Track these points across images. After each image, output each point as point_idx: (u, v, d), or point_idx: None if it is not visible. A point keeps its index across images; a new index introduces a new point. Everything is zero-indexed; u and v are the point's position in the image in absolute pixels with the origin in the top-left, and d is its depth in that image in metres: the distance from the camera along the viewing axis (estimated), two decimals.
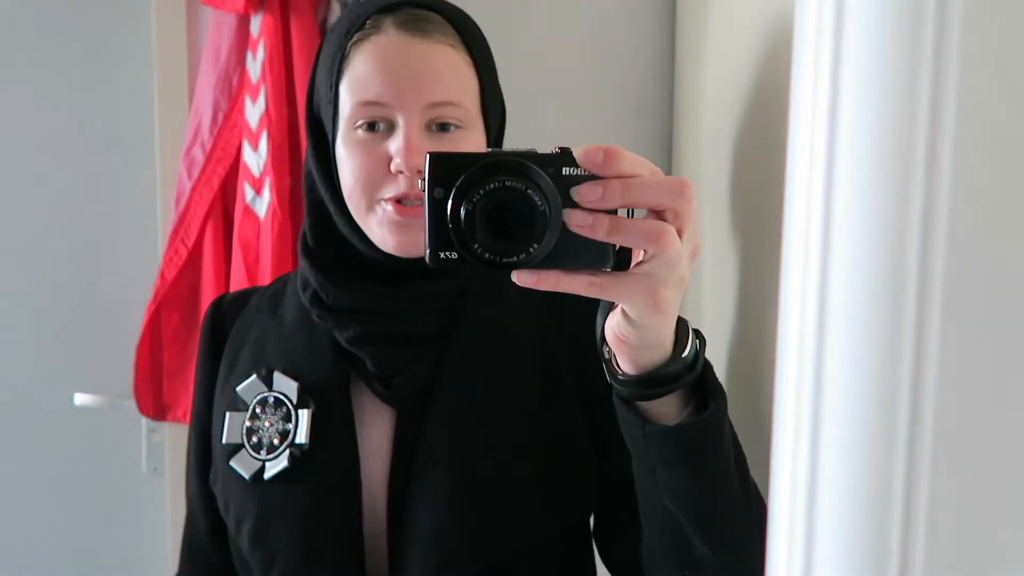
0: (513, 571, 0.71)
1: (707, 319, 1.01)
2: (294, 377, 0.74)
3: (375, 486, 0.73)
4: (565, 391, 0.70)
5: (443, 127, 0.70)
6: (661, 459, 0.57)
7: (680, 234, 0.49)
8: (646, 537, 0.65)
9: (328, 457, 0.72)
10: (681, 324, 0.55)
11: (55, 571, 1.60)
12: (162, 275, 1.40)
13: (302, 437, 0.72)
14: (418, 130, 0.68)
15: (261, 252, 1.27)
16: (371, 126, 0.70)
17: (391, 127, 0.69)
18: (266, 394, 0.75)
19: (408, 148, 0.67)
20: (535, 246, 0.47)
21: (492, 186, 0.47)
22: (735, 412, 0.66)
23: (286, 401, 0.74)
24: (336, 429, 0.73)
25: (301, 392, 0.73)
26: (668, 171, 1.25)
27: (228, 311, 0.83)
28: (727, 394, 0.58)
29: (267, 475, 0.72)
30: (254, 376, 0.76)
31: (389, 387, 0.74)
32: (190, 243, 1.38)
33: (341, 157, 0.72)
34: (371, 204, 0.70)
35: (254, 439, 0.74)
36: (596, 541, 0.77)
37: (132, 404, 1.45)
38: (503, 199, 0.47)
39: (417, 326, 0.72)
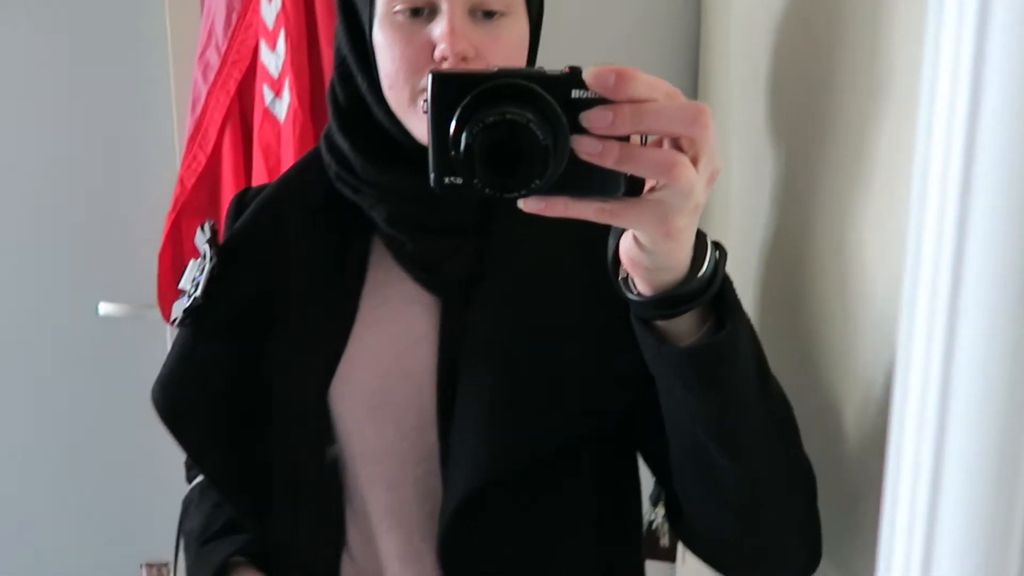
0: (558, 466, 0.72)
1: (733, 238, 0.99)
2: (212, 228, 0.75)
3: (422, 375, 0.72)
4: (607, 283, 0.69)
5: (488, 14, 0.67)
6: (677, 378, 0.57)
7: (696, 162, 0.47)
8: (671, 447, 0.65)
9: (219, 310, 0.74)
10: (700, 239, 0.53)
11: (80, 479, 1.64)
12: (181, 182, 1.39)
13: (200, 291, 0.73)
14: (462, 14, 0.66)
15: (283, 155, 1.25)
16: (414, 11, 0.67)
17: (433, 12, 0.67)
18: (201, 242, 0.76)
19: (453, 33, 0.65)
20: (537, 182, 0.46)
21: (492, 119, 0.45)
22: (769, 334, 0.65)
23: (207, 250, 0.75)
24: (321, 293, 0.74)
25: (211, 243, 0.74)
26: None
27: (251, 204, 0.82)
28: (759, 313, 0.57)
29: (175, 322, 0.76)
30: (200, 227, 0.77)
31: (431, 275, 0.73)
32: (208, 149, 1.36)
33: (379, 44, 0.69)
34: (413, 95, 0.68)
35: (191, 285, 0.76)
36: (636, 441, 0.77)
37: (156, 313, 1.46)
38: (504, 135, 0.45)
39: (457, 217, 0.71)
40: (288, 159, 1.24)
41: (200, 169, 1.37)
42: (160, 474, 1.62)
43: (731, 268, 0.57)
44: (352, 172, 0.73)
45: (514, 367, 0.69)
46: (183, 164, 1.39)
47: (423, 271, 0.73)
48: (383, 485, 0.74)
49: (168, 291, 1.41)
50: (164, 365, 0.76)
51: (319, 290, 0.75)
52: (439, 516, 0.70)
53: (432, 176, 0.48)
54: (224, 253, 0.75)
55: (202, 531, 0.81)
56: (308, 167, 0.79)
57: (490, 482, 0.68)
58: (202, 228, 0.76)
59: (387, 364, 0.74)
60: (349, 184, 0.73)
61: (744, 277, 0.92)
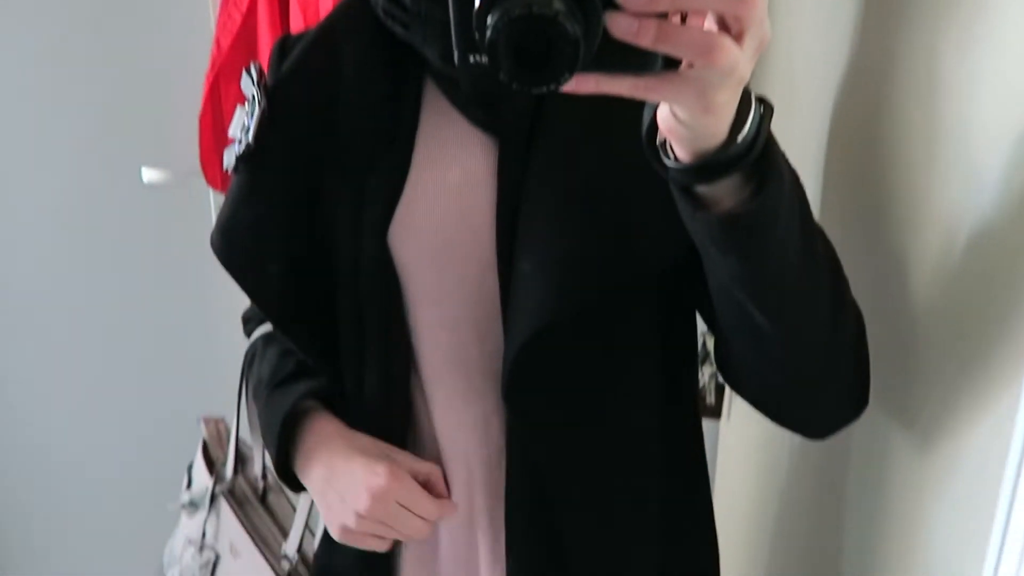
0: (620, 312, 0.71)
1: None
2: (259, 71, 0.73)
3: (482, 217, 0.71)
4: None
5: None
6: (713, 243, 0.55)
7: (740, 37, 0.44)
8: (714, 303, 0.64)
9: (272, 153, 0.72)
10: (743, 96, 0.49)
11: (124, 342, 1.70)
12: (217, 43, 1.36)
13: (251, 136, 0.71)
14: None
15: (321, 8, 1.21)
16: None
17: None
18: (251, 88, 0.73)
19: None
20: (566, 75, 0.42)
21: (518, 12, 0.41)
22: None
23: (255, 96, 0.73)
24: (377, 133, 0.72)
25: (259, 86, 0.72)
26: None
27: (294, 49, 0.79)
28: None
29: (229, 168, 0.74)
30: (244, 71, 0.74)
31: (489, 113, 0.71)
32: (243, 7, 1.32)
33: None
34: None
35: (239, 132, 0.74)
36: (691, 290, 0.75)
37: (200, 179, 1.46)
38: (530, 30, 0.41)
39: None
40: (327, 11, 1.19)
41: (236, 29, 1.34)
42: (212, 334, 1.67)
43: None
44: (401, 6, 0.69)
45: (577, 206, 0.67)
46: (218, 24, 1.35)
47: (479, 111, 0.71)
48: (444, 327, 0.74)
49: (210, 155, 1.41)
50: (221, 212, 0.75)
51: (373, 132, 0.73)
52: (504, 356, 0.70)
53: (456, 55, 0.45)
54: (273, 95, 0.73)
55: (271, 376, 0.82)
56: (353, 6, 0.75)
57: (553, 324, 0.67)
58: (247, 71, 0.73)
59: (446, 207, 0.72)
60: (399, 19, 0.70)
61: (811, 117, 0.88)
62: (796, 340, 0.60)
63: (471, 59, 0.45)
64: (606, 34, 0.42)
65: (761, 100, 0.51)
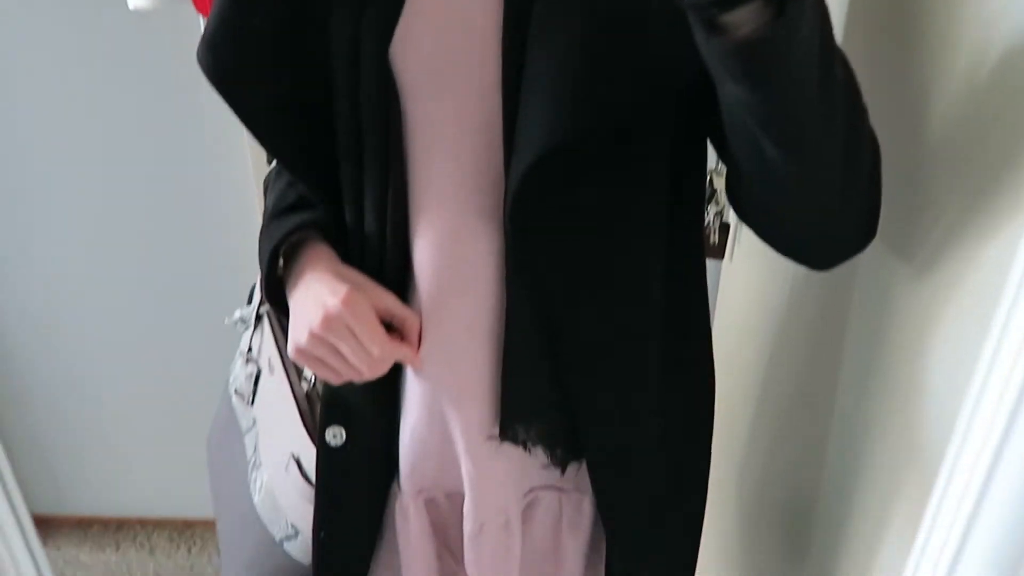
0: (631, 137, 0.68)
1: None
2: None
3: (486, 31, 0.68)
4: None
5: None
6: (726, 71, 0.52)
7: None
8: (726, 131, 0.62)
9: None
10: None
11: (123, 174, 1.68)
12: None
13: None
14: None
15: None
16: None
17: None
18: None
19: None
20: None
21: None
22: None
23: None
24: None
25: None
26: None
27: None
28: None
29: None
30: None
31: None
32: None
33: None
34: None
35: None
36: (704, 116, 0.72)
37: (188, 4, 1.40)
38: None
39: None
40: None
41: None
42: (209, 157, 1.65)
43: None
44: None
45: (588, 24, 0.63)
46: None
47: None
48: (443, 154, 0.72)
49: None
50: (207, 24, 0.71)
51: None
52: (507, 183, 0.68)
53: None
54: None
55: (274, 206, 0.82)
56: None
57: (560, 147, 0.64)
58: None
59: (448, 22, 0.69)
60: None
61: None
62: (808, 172, 0.59)
63: None
64: None
65: None
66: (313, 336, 0.72)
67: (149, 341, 1.87)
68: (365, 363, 0.72)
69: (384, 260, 0.76)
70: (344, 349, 0.71)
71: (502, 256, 0.73)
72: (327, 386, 0.83)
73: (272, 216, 0.81)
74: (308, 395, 0.89)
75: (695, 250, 0.81)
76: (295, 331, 0.74)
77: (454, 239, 0.74)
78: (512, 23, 0.66)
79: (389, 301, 0.74)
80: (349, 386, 0.79)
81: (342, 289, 0.71)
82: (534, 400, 0.78)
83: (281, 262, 0.80)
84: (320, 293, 0.72)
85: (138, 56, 1.58)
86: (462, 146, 0.71)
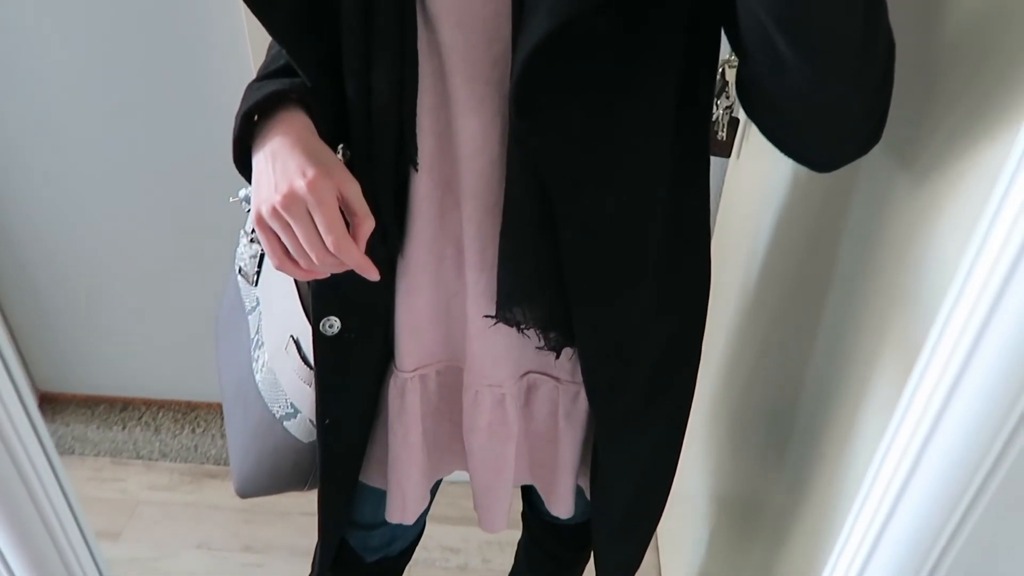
0: (636, 27, 0.68)
1: None
2: None
3: None
4: None
5: None
6: None
7: None
8: (739, 25, 0.62)
9: None
10: None
11: (145, 77, 1.67)
12: None
13: None
14: None
15: None
16: None
17: None
18: None
19: None
20: None
21: None
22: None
23: None
24: None
25: None
26: None
27: None
28: None
29: None
30: None
31: None
32: None
33: None
34: None
35: None
36: (718, 15, 0.72)
37: None
38: None
39: None
40: None
41: None
42: (205, 33, 1.64)
43: None
44: None
45: None
46: None
47: None
48: (451, 22, 0.72)
49: None
50: None
51: None
52: (514, 57, 0.68)
53: None
54: None
55: (262, 68, 0.81)
56: None
57: (572, 21, 0.63)
58: None
59: None
60: None
61: None
62: (821, 74, 0.59)
63: None
64: None
65: None
66: (274, 212, 0.70)
67: (155, 221, 1.89)
68: (316, 250, 0.70)
69: (388, 130, 0.76)
70: (299, 232, 0.70)
71: (506, 128, 0.74)
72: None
73: (258, 78, 0.80)
74: None
75: (701, 148, 0.82)
76: (258, 198, 0.72)
77: (459, 107, 0.75)
78: None
79: (352, 191, 0.72)
80: (342, 275, 0.80)
81: (312, 171, 0.70)
82: (531, 281, 0.80)
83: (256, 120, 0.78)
84: (288, 167, 0.71)
85: None
86: (469, 14, 0.71)
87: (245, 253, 1.00)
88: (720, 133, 1.07)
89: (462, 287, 0.85)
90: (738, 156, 1.23)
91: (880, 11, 0.59)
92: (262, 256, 0.98)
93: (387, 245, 0.82)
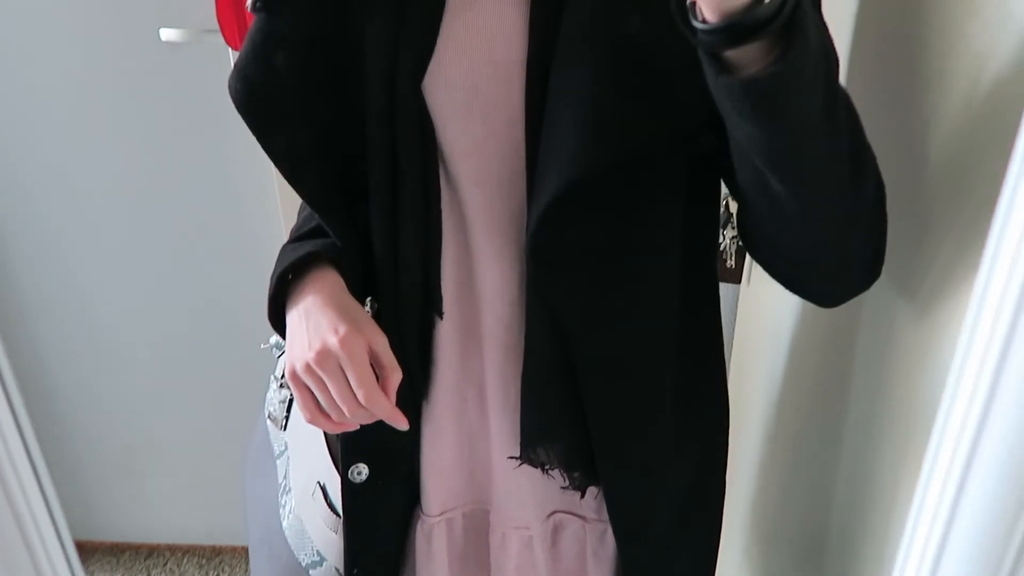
0: (647, 171, 0.73)
1: None
2: None
3: (512, 67, 0.73)
4: None
5: None
6: (733, 108, 0.56)
7: None
8: (735, 167, 0.66)
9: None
10: None
11: (151, 203, 1.76)
12: None
13: None
14: None
15: None
16: None
17: None
18: None
19: None
20: None
21: None
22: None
23: None
24: None
25: None
26: None
27: None
28: None
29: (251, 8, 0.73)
30: None
31: None
32: None
33: None
34: None
35: None
36: (716, 153, 0.77)
37: (218, 37, 1.47)
38: None
39: None
40: None
41: None
42: (233, 188, 1.72)
43: None
44: None
45: (608, 63, 0.67)
46: None
47: None
48: (470, 180, 0.77)
49: (227, 11, 1.41)
50: (240, 56, 0.74)
51: None
52: (529, 213, 0.73)
53: None
54: None
55: (295, 230, 0.86)
56: None
57: (582, 179, 0.68)
58: None
59: (476, 56, 0.74)
60: None
61: None
62: (813, 209, 0.63)
63: None
64: None
65: None
66: (307, 366, 0.74)
67: (183, 367, 1.94)
68: (348, 404, 0.73)
69: (414, 282, 0.80)
70: (332, 387, 0.73)
71: (524, 276, 0.78)
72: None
73: (291, 239, 0.85)
74: None
75: (709, 278, 0.85)
76: (292, 355, 0.76)
77: (480, 257, 0.80)
78: (535, 59, 0.71)
79: (382, 345, 0.76)
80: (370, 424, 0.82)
81: (343, 327, 0.73)
82: (553, 422, 0.83)
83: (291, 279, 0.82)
84: (321, 325, 0.75)
85: (169, 88, 1.67)
86: (489, 173, 0.77)
87: (275, 398, 1.03)
88: (729, 261, 1.11)
89: (485, 429, 0.88)
90: (748, 282, 1.27)
91: (864, 152, 0.64)
92: (291, 401, 1.01)
93: (413, 391, 0.85)
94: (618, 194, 0.73)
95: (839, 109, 0.60)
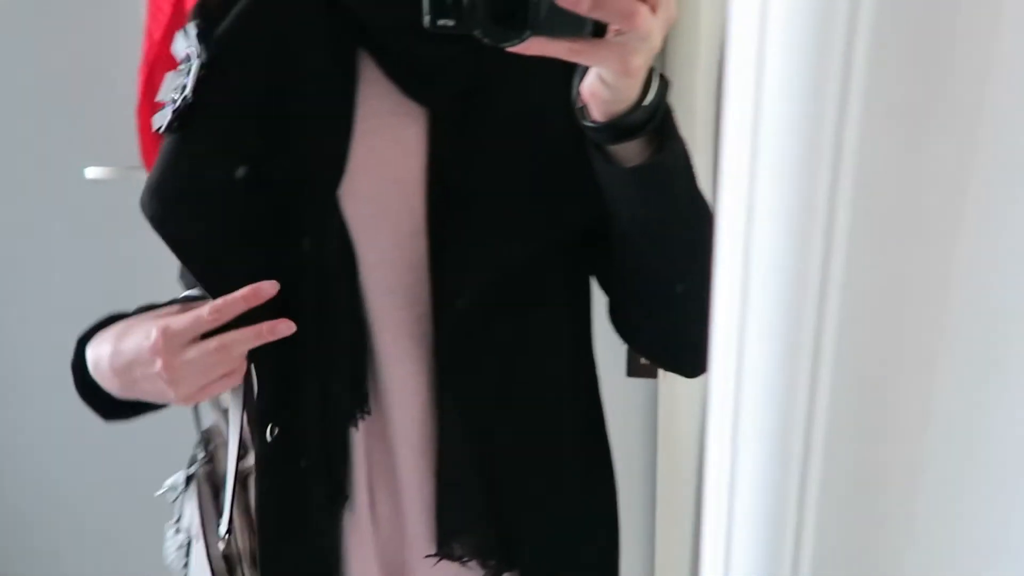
0: (540, 276, 0.80)
1: None
2: (200, 26, 0.75)
3: (415, 185, 0.78)
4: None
5: None
6: (622, 193, 0.69)
7: (654, 10, 0.56)
8: (615, 249, 0.76)
9: (214, 108, 0.75)
10: (648, 74, 0.62)
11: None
12: (149, 35, 1.41)
13: (188, 89, 0.74)
14: None
15: None
16: None
17: None
18: (184, 48, 0.76)
19: None
20: (528, 32, 0.55)
21: None
22: None
23: (192, 54, 0.75)
24: (322, 102, 0.76)
25: (200, 38, 0.74)
26: None
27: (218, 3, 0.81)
28: None
29: (162, 128, 0.76)
30: (179, 32, 0.77)
31: (422, 83, 0.77)
32: None
33: None
34: None
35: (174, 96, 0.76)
36: (593, 255, 0.84)
37: (143, 173, 1.52)
38: None
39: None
40: None
41: (166, 20, 1.39)
42: None
43: None
44: None
45: (504, 176, 0.76)
46: (148, 16, 1.41)
47: (415, 81, 0.77)
48: (379, 289, 0.81)
49: (150, 148, 1.46)
50: (151, 174, 0.77)
51: (314, 100, 0.78)
52: (434, 318, 0.79)
53: (427, 18, 0.57)
54: (215, 44, 0.75)
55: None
56: None
57: (481, 286, 0.76)
58: (184, 31, 0.76)
59: (382, 175, 0.79)
60: None
61: None
62: (684, 277, 0.73)
63: (439, 22, 0.57)
64: (551, 4, 0.55)
65: (661, 76, 0.64)
66: (174, 376, 0.72)
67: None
68: (223, 351, 0.72)
69: (341, 389, 0.81)
70: (201, 360, 0.72)
71: (433, 378, 0.82)
72: (264, 546, 0.84)
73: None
74: (226, 556, 0.90)
75: (592, 365, 0.91)
76: (157, 387, 0.74)
77: (387, 363, 0.83)
78: (435, 176, 0.78)
79: (188, 314, 0.73)
80: (285, 544, 0.82)
81: (152, 329, 0.72)
82: (470, 517, 0.84)
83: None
84: (137, 346, 0.74)
85: (97, 226, 1.70)
86: (395, 282, 0.81)
87: (171, 545, 0.99)
88: (643, 359, 1.15)
89: (401, 528, 0.88)
90: (664, 377, 1.31)
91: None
92: (188, 546, 0.98)
93: (333, 504, 0.85)
94: (520, 292, 0.79)
95: (702, 196, 0.72)
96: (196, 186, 0.77)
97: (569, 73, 0.66)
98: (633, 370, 1.13)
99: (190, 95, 0.73)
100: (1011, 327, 0.36)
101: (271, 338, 0.73)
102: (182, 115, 0.74)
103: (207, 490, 0.97)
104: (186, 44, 0.76)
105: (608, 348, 0.93)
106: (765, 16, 0.33)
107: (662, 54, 1.32)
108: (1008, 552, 0.38)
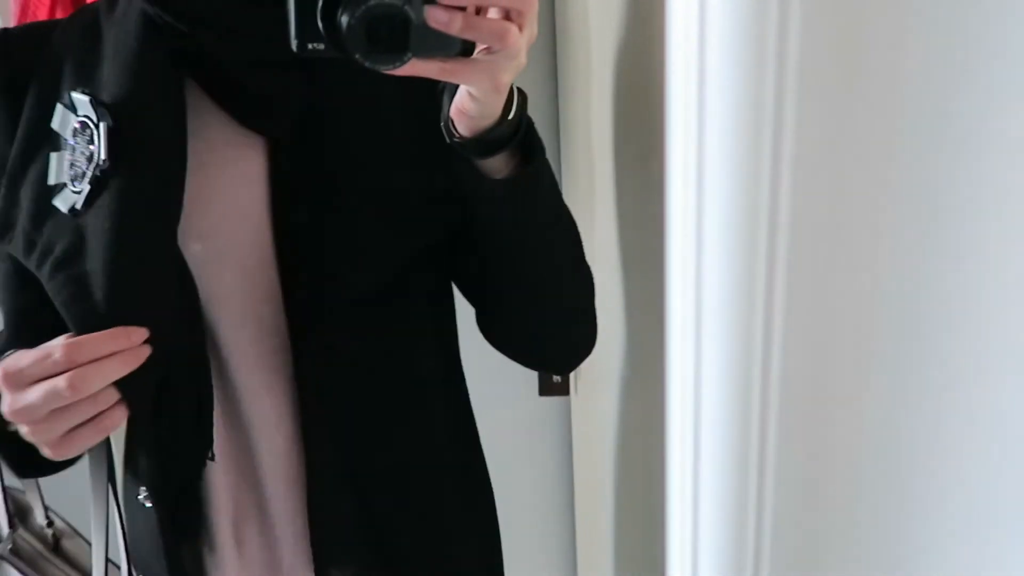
0: (396, 295, 0.81)
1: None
2: (89, 92, 0.74)
3: (259, 215, 0.77)
4: (422, 114, 0.76)
5: None
6: (491, 204, 0.72)
7: (520, 28, 0.59)
8: (483, 257, 0.79)
9: (141, 170, 0.73)
10: (511, 93, 0.66)
11: None
12: None
13: (103, 154, 0.72)
14: None
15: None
16: None
17: None
18: (73, 120, 0.74)
19: None
20: (410, 54, 0.57)
21: (375, 2, 0.55)
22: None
23: (89, 121, 0.73)
24: (155, 140, 0.74)
25: (95, 105, 0.73)
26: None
27: (19, 43, 0.80)
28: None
29: (80, 205, 0.72)
30: (59, 105, 0.76)
31: (259, 113, 0.76)
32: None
33: None
34: None
35: (72, 171, 0.74)
36: (455, 264, 0.86)
37: None
38: (385, 15, 0.55)
39: (283, 49, 0.64)
40: None
41: None
42: None
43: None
44: (166, 4, 0.72)
45: (349, 200, 0.77)
46: None
47: (250, 112, 0.76)
48: (231, 323, 0.79)
49: None
50: None
51: (145, 135, 0.74)
52: (291, 348, 0.78)
53: (295, 42, 0.58)
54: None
55: None
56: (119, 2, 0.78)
57: (333, 312, 0.77)
58: (66, 106, 0.74)
59: (223, 209, 0.77)
60: (165, 13, 0.72)
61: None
62: (553, 286, 0.79)
63: (309, 46, 0.58)
64: (423, 25, 0.56)
65: (518, 89, 0.68)
66: (33, 421, 0.66)
67: None
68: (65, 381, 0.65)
69: (187, 432, 0.78)
70: (32, 394, 0.65)
71: (296, 408, 0.80)
72: None
73: None
74: None
75: (462, 380, 0.93)
76: (34, 430, 0.67)
77: (246, 397, 0.80)
78: (280, 205, 0.76)
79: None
80: None
81: None
82: (347, 544, 0.83)
83: None
84: None
85: None
86: (248, 315, 0.78)
87: None
88: (555, 377, 1.17)
89: (276, 563, 0.85)
90: (576, 392, 1.33)
91: (579, 244, 0.81)
92: None
93: (193, 550, 0.83)
94: (379, 315, 0.80)
95: (565, 207, 0.79)
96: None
97: (411, 89, 0.68)
98: (545, 389, 1.14)
99: (106, 160, 0.72)
100: (933, 325, 0.39)
101: (136, 363, 0.67)
102: (100, 183, 0.72)
103: (28, 566, 0.93)
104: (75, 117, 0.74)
105: (519, 369, 0.93)
106: (704, 21, 0.35)
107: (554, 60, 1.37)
108: (944, 536, 0.41)
